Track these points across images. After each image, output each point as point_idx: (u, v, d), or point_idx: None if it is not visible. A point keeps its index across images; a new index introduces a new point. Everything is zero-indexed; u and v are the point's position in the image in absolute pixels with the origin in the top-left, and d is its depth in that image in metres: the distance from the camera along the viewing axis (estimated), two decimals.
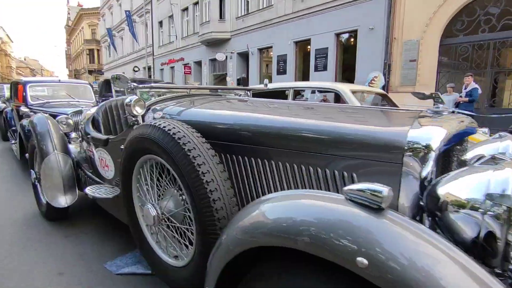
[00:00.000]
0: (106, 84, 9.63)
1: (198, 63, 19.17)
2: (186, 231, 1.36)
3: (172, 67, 21.94)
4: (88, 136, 2.24)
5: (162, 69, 23.46)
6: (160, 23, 23.07)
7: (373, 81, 9.45)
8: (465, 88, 6.58)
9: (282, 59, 13.07)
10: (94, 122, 2.37)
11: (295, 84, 4.48)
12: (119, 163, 1.63)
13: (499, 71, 8.38)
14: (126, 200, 1.63)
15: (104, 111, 2.44)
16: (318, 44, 11.47)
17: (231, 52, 15.74)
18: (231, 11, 15.76)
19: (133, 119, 1.63)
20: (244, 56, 15.77)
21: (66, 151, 2.43)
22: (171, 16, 20.68)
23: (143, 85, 1.80)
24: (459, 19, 8.32)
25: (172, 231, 1.45)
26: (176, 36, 20.85)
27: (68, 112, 3.40)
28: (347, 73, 11.22)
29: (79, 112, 3.17)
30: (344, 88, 3.33)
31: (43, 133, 2.43)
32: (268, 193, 1.26)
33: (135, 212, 1.61)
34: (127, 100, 1.58)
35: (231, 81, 12.95)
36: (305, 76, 12.47)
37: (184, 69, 19.24)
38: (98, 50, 39.97)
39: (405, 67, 9.11)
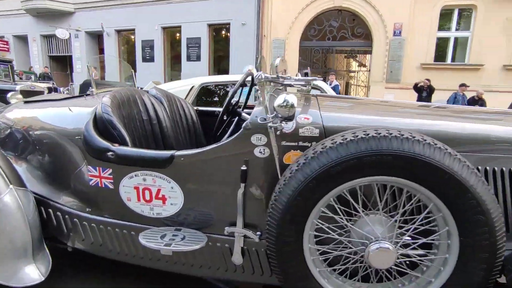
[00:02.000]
0: None
1: (22, 39, 14.68)
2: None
3: None
4: (108, 153, 1.37)
5: None
6: None
7: None
8: (330, 85, 8.14)
9: (148, 45, 11.91)
10: (100, 126, 1.46)
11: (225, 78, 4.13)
12: (252, 192, 1.28)
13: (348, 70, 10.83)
14: (292, 248, 1.14)
15: (127, 108, 1.66)
16: (190, 32, 11.14)
17: (77, 30, 12.93)
18: None
19: (278, 124, 1.16)
20: (94, 36, 13.30)
21: (22, 180, 1.49)
22: None
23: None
24: (312, 27, 10.10)
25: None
26: None
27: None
28: (221, 64, 11.50)
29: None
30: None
31: None
32: None
33: (307, 264, 1.17)
34: (281, 100, 1.10)
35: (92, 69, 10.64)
36: (175, 66, 11.89)
37: None
38: None
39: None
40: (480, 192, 0.99)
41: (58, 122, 1.56)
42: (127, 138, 1.41)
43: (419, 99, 7.80)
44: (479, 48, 8.96)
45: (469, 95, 7.89)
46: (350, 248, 1.17)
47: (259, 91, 1.32)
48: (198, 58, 11.19)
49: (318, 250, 1.20)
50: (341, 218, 1.15)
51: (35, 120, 1.64)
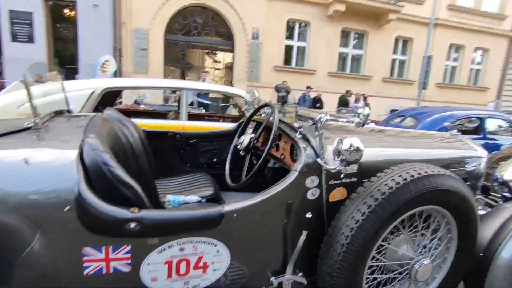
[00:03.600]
0: None
1: None
2: None
3: None
4: (129, 224, 1.02)
5: None
6: None
7: (104, 65, 8.85)
8: (204, 81, 8.24)
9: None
10: (98, 184, 1.04)
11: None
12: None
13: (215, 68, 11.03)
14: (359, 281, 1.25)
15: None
16: (14, 4, 8.50)
17: None
18: None
19: (342, 167, 1.21)
20: None
21: None
22: None
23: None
24: (177, 20, 9.79)
25: None
26: None
27: None
28: (66, 51, 9.42)
29: None
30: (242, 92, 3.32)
31: None
32: None
33: None
34: (348, 145, 1.16)
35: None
36: None
37: None
38: None
39: (137, 55, 9.33)
40: (471, 198, 1.36)
41: (10, 188, 0.95)
42: (144, 197, 1.06)
43: (279, 98, 9.10)
44: (313, 56, 11.26)
45: (312, 95, 9.88)
46: (396, 269, 1.35)
47: (306, 132, 1.34)
48: (30, 40, 8.74)
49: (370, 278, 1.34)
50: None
51: None
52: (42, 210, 0.96)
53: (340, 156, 1.17)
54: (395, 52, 12.49)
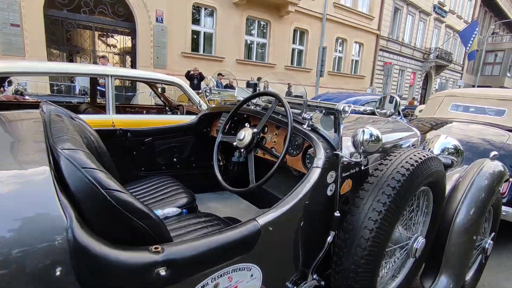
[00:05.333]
0: None
1: None
2: None
3: None
4: (157, 271, 0.71)
5: None
6: None
7: None
8: None
9: None
10: (96, 218, 0.71)
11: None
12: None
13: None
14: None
15: None
16: None
17: None
18: None
19: (362, 159, 1.19)
20: None
21: None
22: None
23: None
24: None
25: None
26: None
27: None
28: None
29: None
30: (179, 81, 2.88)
31: None
32: None
33: None
34: (368, 135, 1.11)
35: None
36: None
37: None
38: None
39: (6, 31, 7.37)
40: (445, 175, 1.48)
41: None
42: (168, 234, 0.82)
43: (192, 85, 8.74)
44: (221, 43, 11.17)
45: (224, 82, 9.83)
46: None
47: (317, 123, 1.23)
48: None
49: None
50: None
51: None
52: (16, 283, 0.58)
53: (362, 147, 1.14)
54: (294, 42, 13.54)
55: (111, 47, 12.22)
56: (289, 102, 1.34)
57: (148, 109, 4.11)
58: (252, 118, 1.75)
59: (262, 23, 12.43)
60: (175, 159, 2.06)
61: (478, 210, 1.62)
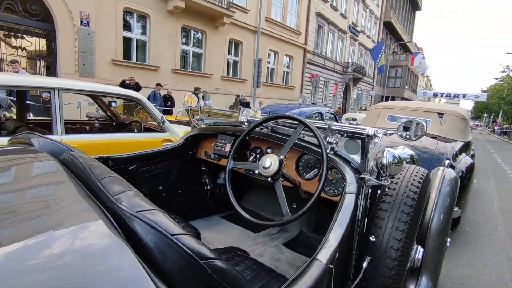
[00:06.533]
0: None
1: None
2: None
3: None
4: None
5: None
6: None
7: None
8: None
9: None
10: None
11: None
12: None
13: None
14: None
15: None
16: None
17: None
18: None
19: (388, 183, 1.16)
20: None
21: None
22: None
23: None
24: None
25: None
26: None
27: None
28: None
29: None
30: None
31: None
32: None
33: None
34: (391, 157, 1.09)
35: None
36: None
37: None
38: None
39: None
40: None
41: None
42: None
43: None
44: (155, 52, 10.62)
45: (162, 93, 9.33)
46: None
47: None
48: None
49: None
50: None
51: None
52: None
53: (388, 170, 1.13)
54: (229, 53, 13.68)
55: (19, 49, 10.55)
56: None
57: (91, 126, 3.63)
58: (252, 141, 1.68)
59: (198, 33, 12.26)
60: (160, 187, 1.85)
61: (447, 215, 1.84)
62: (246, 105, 10.86)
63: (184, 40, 11.77)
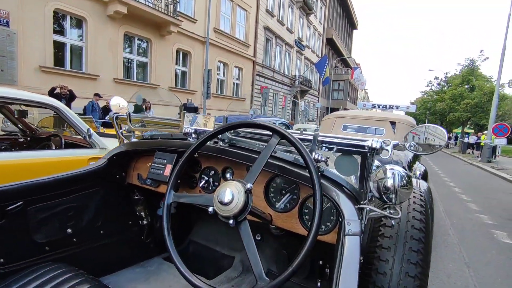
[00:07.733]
0: None
1: None
2: None
3: None
4: None
5: None
6: None
7: None
8: None
9: None
10: None
11: None
12: None
13: None
14: None
15: None
16: None
17: None
18: None
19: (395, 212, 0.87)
20: None
21: None
22: None
23: None
24: None
25: None
26: None
27: None
28: None
29: None
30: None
31: None
32: None
33: None
34: (400, 179, 0.81)
35: None
36: None
37: None
38: None
39: None
40: None
41: None
42: None
43: None
44: (94, 59, 9.66)
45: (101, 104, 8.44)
46: None
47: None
48: None
49: None
50: None
51: None
52: None
53: (398, 195, 0.82)
54: (177, 63, 13.12)
55: None
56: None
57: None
58: (203, 159, 1.31)
59: (143, 41, 11.53)
60: (69, 230, 1.34)
61: (431, 224, 1.77)
62: (195, 110, 8.80)
63: (127, 48, 10.96)
